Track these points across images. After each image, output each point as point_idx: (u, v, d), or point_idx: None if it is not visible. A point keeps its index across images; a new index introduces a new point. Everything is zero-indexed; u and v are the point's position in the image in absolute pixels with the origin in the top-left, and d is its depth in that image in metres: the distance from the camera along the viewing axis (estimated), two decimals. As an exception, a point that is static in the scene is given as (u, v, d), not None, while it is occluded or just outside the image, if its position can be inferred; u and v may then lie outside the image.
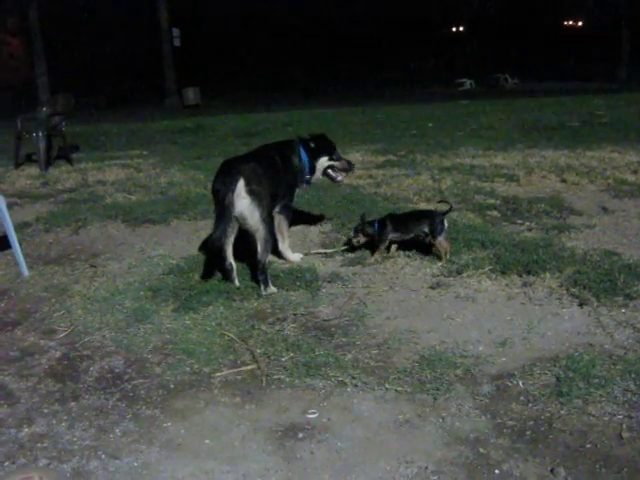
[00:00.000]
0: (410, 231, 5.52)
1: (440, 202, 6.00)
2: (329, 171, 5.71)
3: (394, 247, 5.63)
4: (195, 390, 3.55)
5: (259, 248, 4.85)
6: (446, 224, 5.39)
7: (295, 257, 5.60)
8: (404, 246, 5.64)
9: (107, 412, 3.36)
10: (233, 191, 4.65)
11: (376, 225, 5.52)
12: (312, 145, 5.58)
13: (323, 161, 5.64)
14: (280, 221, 5.44)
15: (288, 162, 5.40)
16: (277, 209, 5.29)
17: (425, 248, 5.55)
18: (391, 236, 5.52)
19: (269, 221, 4.92)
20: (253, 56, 42.87)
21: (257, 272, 4.91)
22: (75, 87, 19.95)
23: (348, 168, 5.85)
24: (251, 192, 4.71)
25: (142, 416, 3.32)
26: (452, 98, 27.44)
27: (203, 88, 33.00)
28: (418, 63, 48.37)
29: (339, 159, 5.74)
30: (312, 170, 5.60)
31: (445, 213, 5.41)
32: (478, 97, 27.58)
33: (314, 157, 5.58)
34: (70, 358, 4.00)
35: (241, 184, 4.68)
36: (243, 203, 4.71)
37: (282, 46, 44.18)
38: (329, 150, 5.69)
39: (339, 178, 5.80)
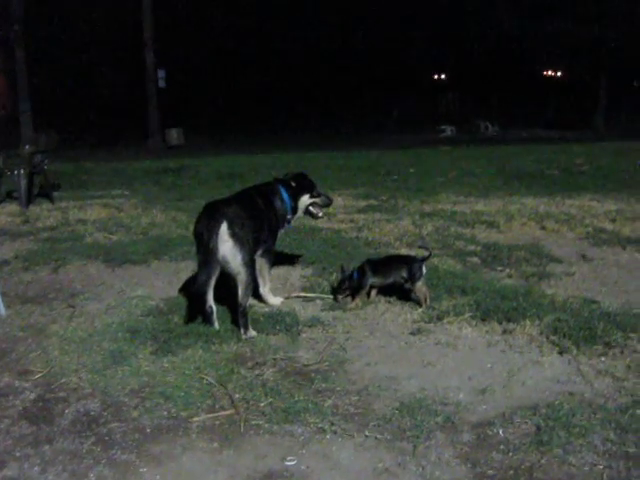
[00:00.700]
0: (389, 276, 5.53)
1: (420, 248, 6.02)
2: (310, 208, 5.75)
3: (374, 292, 5.63)
4: (172, 435, 3.49)
5: (240, 291, 4.82)
6: (424, 270, 5.39)
7: (275, 301, 5.58)
8: (385, 292, 5.64)
9: (81, 456, 3.29)
10: (217, 234, 4.65)
11: (355, 274, 5.52)
12: (293, 184, 5.62)
13: (305, 199, 5.67)
14: (262, 265, 5.42)
15: (270, 205, 5.41)
16: (259, 253, 5.26)
17: (405, 294, 5.55)
18: (371, 281, 5.52)
19: (251, 264, 4.89)
20: (236, 99, 43.18)
21: (238, 315, 4.86)
22: (59, 125, 19.95)
23: (328, 202, 5.91)
24: (234, 235, 4.70)
25: (117, 461, 3.25)
26: (434, 144, 27.75)
27: (186, 129, 33.14)
28: (400, 110, 48.91)
29: (319, 195, 5.79)
30: (294, 210, 5.62)
31: (424, 259, 5.42)
32: (459, 144, 27.92)
33: (295, 197, 5.61)
34: (45, 400, 3.93)
35: (224, 227, 4.68)
36: (226, 246, 4.69)
37: (268, 89, 44.60)
38: (309, 188, 5.73)
39: (320, 214, 5.87)
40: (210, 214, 4.79)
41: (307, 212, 5.77)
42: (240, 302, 4.83)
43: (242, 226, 4.77)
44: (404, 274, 5.40)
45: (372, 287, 5.59)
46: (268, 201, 5.41)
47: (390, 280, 5.54)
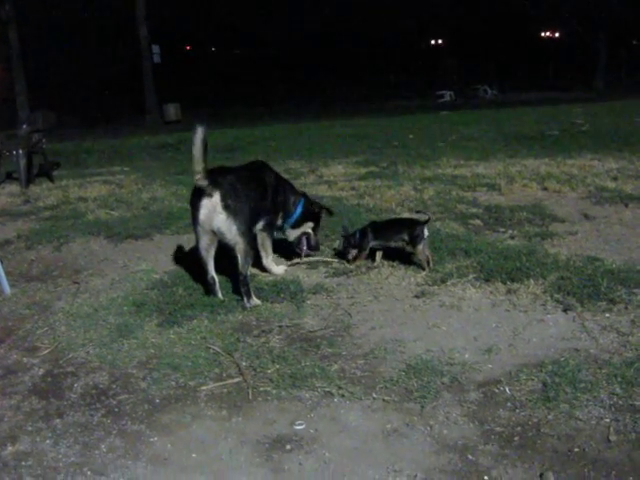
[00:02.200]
0: (390, 239, 5.56)
1: (418, 212, 6.02)
2: (302, 238, 5.71)
3: (379, 256, 5.64)
4: (181, 404, 3.51)
5: (239, 261, 4.82)
6: (426, 233, 5.38)
7: (279, 270, 5.59)
8: (389, 256, 5.65)
9: (92, 428, 3.32)
10: (209, 206, 4.66)
11: (357, 234, 5.54)
12: (311, 206, 5.67)
13: (308, 225, 5.68)
14: (263, 237, 5.42)
15: (280, 184, 5.44)
16: (260, 225, 5.24)
17: (409, 257, 5.56)
18: (372, 244, 5.54)
19: (248, 234, 4.85)
20: (233, 71, 42.90)
21: (239, 285, 4.88)
22: (55, 104, 19.88)
23: (315, 248, 5.82)
24: (226, 207, 4.67)
25: (128, 431, 3.28)
26: (432, 109, 27.60)
27: (183, 104, 32.99)
28: (397, 77, 48.60)
29: (316, 235, 5.78)
30: (295, 224, 5.63)
31: (426, 222, 5.41)
32: (458, 109, 27.77)
33: (305, 214, 5.63)
34: (54, 375, 3.95)
35: (216, 199, 4.66)
36: (220, 218, 4.69)
37: (263, 61, 44.30)
38: (317, 221, 5.73)
39: (304, 251, 5.78)
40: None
41: (298, 240, 5.72)
42: (240, 271, 4.82)
43: (236, 197, 4.73)
44: (405, 237, 5.40)
45: (374, 250, 5.61)
46: (280, 181, 5.44)
47: (391, 242, 5.57)
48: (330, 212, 5.87)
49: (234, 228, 4.73)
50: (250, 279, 4.90)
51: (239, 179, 4.90)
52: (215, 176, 4.76)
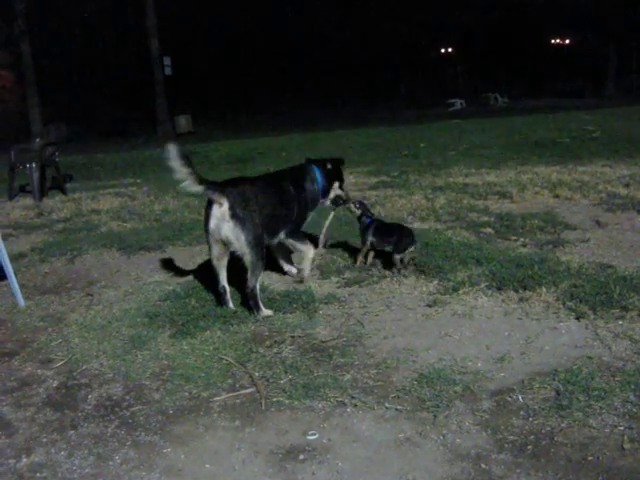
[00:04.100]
0: (381, 240, 5.73)
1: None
2: (337, 198, 5.78)
3: (371, 255, 5.83)
4: (194, 415, 3.53)
5: (248, 272, 4.84)
6: (414, 245, 5.57)
7: (308, 276, 5.57)
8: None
9: (106, 440, 3.34)
10: (218, 215, 4.72)
11: (367, 220, 5.80)
12: (328, 167, 5.67)
13: (336, 186, 5.71)
14: (292, 244, 5.43)
15: (298, 186, 5.41)
16: (282, 234, 5.26)
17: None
18: (370, 239, 5.73)
19: (257, 244, 4.82)
20: (244, 82, 43.08)
21: (248, 297, 4.90)
22: (68, 117, 20.03)
23: (347, 200, 5.89)
24: (234, 216, 4.70)
25: (142, 442, 3.29)
26: (443, 118, 27.60)
27: (195, 115, 33.16)
28: (408, 86, 48.66)
29: (343, 189, 5.84)
30: (325, 193, 5.65)
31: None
32: (469, 117, 27.76)
33: (329, 180, 5.65)
34: (68, 387, 3.98)
35: (225, 208, 4.70)
36: (227, 227, 4.73)
37: (274, 71, 44.45)
38: (341, 176, 5.76)
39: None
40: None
41: (333, 201, 5.77)
42: (248, 283, 4.84)
43: (245, 207, 4.75)
44: (390, 241, 5.63)
45: (371, 247, 5.83)
46: (295, 183, 5.41)
47: (382, 245, 5.77)
48: (342, 161, 5.92)
49: (242, 237, 4.74)
50: (258, 290, 4.90)
51: (253, 189, 4.92)
52: (226, 185, 4.82)
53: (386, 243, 5.70)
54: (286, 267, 5.79)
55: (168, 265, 6.43)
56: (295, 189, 5.35)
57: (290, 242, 5.40)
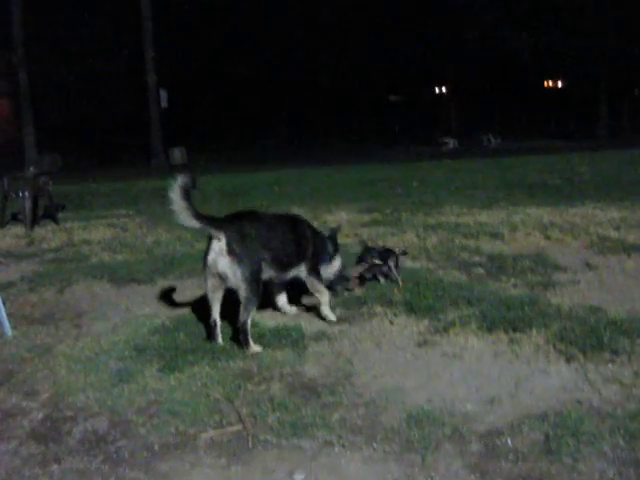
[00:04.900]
0: (366, 260, 6.26)
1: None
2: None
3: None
4: (180, 452, 3.49)
5: (240, 307, 4.84)
6: (384, 270, 6.14)
7: (333, 317, 5.50)
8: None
9: (90, 475, 3.29)
10: (216, 249, 4.77)
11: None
12: (333, 239, 5.86)
13: (337, 257, 5.85)
14: (312, 282, 5.45)
15: (306, 230, 5.52)
16: (304, 271, 5.36)
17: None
18: (360, 262, 6.24)
19: (252, 280, 4.83)
20: (237, 117, 43.35)
21: (239, 332, 4.88)
22: (62, 147, 20.08)
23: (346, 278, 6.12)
24: (231, 252, 4.73)
25: (126, 479, 3.25)
26: (436, 157, 27.80)
27: (189, 147, 33.29)
28: (401, 124, 49.03)
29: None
30: (332, 254, 5.77)
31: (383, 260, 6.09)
32: (462, 156, 27.97)
33: (335, 251, 5.82)
34: (53, 419, 3.93)
35: (222, 244, 4.74)
36: (223, 262, 4.76)
37: (268, 106, 44.77)
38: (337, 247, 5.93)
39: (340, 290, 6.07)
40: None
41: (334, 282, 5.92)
42: (240, 317, 4.83)
43: (243, 242, 4.79)
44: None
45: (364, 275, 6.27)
46: (309, 225, 5.61)
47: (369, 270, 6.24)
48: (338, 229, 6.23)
49: (238, 273, 4.76)
50: (249, 326, 4.88)
51: (255, 224, 4.99)
52: (224, 221, 4.91)
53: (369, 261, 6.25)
54: (281, 304, 5.76)
55: (158, 298, 6.40)
56: (309, 227, 5.55)
57: (310, 280, 5.44)
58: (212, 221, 4.89)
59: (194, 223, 4.74)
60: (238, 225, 4.88)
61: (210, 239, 4.85)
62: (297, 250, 5.28)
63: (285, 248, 5.16)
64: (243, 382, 4.29)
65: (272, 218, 5.39)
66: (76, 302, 6.42)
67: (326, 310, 5.49)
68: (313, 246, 5.43)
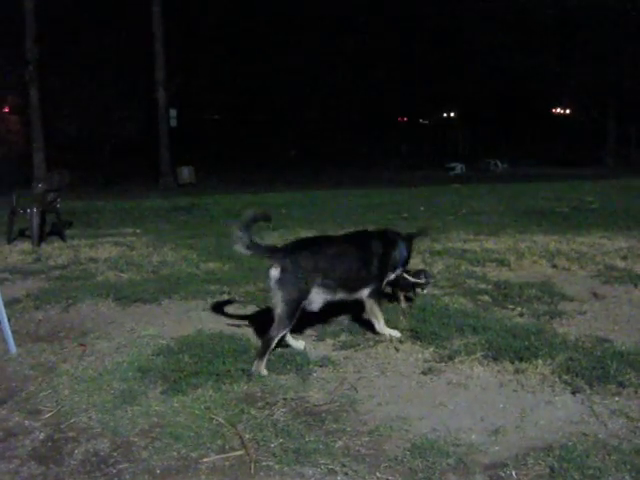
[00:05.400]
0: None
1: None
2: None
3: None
4: (182, 476, 3.46)
5: (274, 323, 4.98)
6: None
7: (394, 333, 5.61)
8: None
9: (90, 498, 3.27)
10: (271, 276, 5.03)
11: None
12: (410, 244, 6.14)
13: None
14: (371, 305, 5.57)
15: (378, 249, 5.64)
16: (366, 293, 5.51)
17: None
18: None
19: (291, 305, 4.98)
20: (247, 137, 43.54)
21: (261, 345, 4.99)
22: (71, 164, 20.16)
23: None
24: (279, 280, 4.97)
25: (126, 503, 3.23)
26: (443, 182, 27.84)
27: (198, 167, 33.43)
28: (409, 148, 49.24)
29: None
30: (405, 263, 6.01)
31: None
32: (469, 181, 28.00)
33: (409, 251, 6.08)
34: (54, 440, 3.91)
35: (276, 271, 4.98)
36: (274, 284, 5.01)
37: (278, 128, 45.00)
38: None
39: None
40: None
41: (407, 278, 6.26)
42: (270, 331, 4.95)
43: (294, 271, 5.00)
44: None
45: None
46: (376, 245, 5.67)
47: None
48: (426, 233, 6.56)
49: (279, 295, 4.98)
50: (273, 344, 4.92)
51: (313, 253, 5.20)
52: (278, 251, 5.22)
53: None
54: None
55: (163, 318, 6.39)
56: (383, 243, 5.72)
57: (370, 303, 5.58)
58: (267, 250, 5.21)
59: (246, 252, 5.04)
60: (293, 256, 5.09)
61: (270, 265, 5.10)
62: (358, 275, 5.46)
63: (344, 274, 5.35)
64: (247, 406, 4.27)
65: (335, 244, 5.56)
66: (81, 321, 6.42)
67: (385, 331, 5.61)
68: (379, 265, 5.59)
